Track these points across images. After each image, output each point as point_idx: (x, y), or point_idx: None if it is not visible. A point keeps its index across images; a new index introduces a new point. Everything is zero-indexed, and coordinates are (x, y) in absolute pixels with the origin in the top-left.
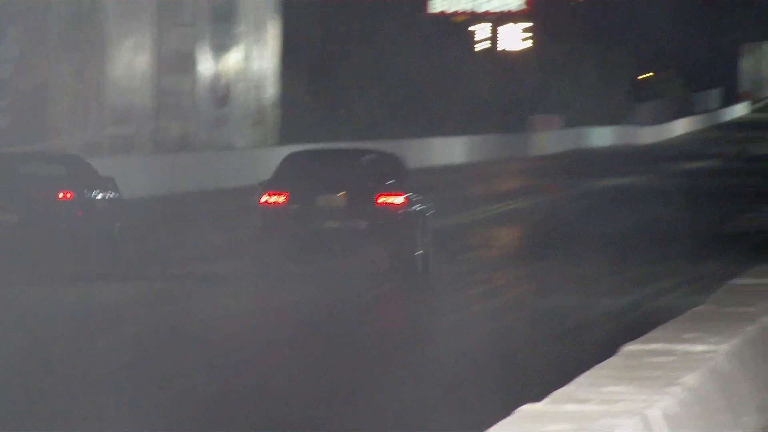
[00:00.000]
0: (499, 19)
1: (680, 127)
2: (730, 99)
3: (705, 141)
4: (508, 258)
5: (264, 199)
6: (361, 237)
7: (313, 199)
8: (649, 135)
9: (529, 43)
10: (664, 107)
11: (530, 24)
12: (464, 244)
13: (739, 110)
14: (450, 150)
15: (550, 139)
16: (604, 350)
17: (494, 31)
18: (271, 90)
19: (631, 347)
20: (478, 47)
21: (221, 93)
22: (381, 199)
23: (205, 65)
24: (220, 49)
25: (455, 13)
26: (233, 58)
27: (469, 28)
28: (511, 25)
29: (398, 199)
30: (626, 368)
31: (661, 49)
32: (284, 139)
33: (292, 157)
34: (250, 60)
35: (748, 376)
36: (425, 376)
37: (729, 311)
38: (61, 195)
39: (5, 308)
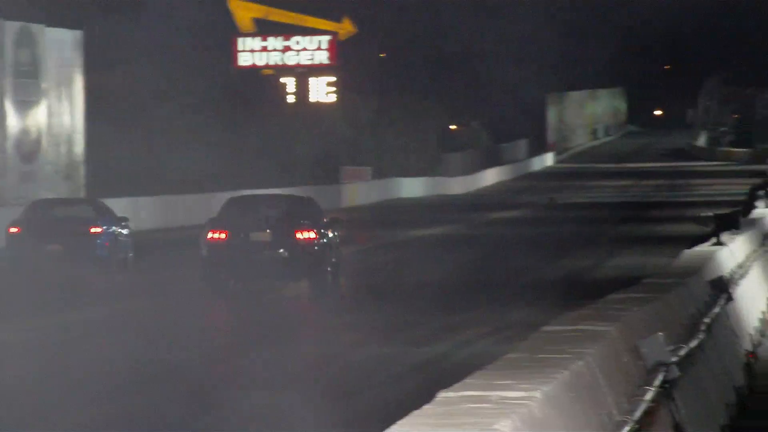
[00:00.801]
0: (307, 72)
1: (489, 177)
2: (538, 149)
3: (514, 191)
4: (322, 309)
5: (209, 235)
6: (284, 264)
7: (247, 236)
8: (458, 185)
9: (335, 97)
10: (473, 158)
11: (335, 78)
12: (278, 296)
13: (546, 160)
14: None
15: (360, 191)
16: (420, 398)
17: (303, 85)
18: (79, 144)
19: (446, 394)
20: (288, 100)
21: (29, 148)
22: (298, 235)
23: (12, 121)
24: (26, 104)
25: (265, 66)
26: (40, 114)
27: (280, 80)
28: (319, 78)
29: (311, 234)
30: (441, 415)
31: (469, 100)
32: (94, 192)
33: (232, 201)
34: (57, 115)
35: (562, 422)
36: None
37: (541, 357)
38: (93, 229)
39: None
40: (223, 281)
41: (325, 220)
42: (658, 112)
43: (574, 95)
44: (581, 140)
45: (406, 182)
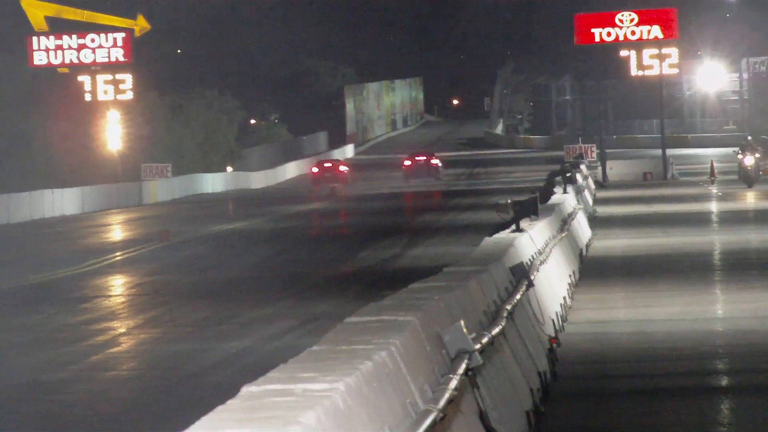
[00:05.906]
0: (103, 69)
1: (290, 170)
2: (338, 141)
3: None
4: (127, 307)
5: (405, 163)
6: (428, 170)
7: (417, 161)
8: (260, 179)
9: (132, 94)
10: (273, 151)
11: (131, 75)
12: (82, 295)
13: (347, 152)
14: (62, 201)
15: (162, 187)
16: (225, 393)
17: (99, 82)
18: None
19: (250, 388)
20: (85, 98)
21: None
22: (432, 161)
23: None
24: None
25: (60, 65)
26: None
27: (78, 78)
28: (115, 75)
29: (436, 161)
30: (246, 410)
31: (268, 94)
32: None
33: (408, 156)
34: None
35: (366, 412)
36: None
37: (344, 349)
38: (341, 167)
39: None
40: (411, 179)
41: (439, 158)
42: (455, 102)
43: (372, 86)
44: (380, 131)
45: (208, 178)
